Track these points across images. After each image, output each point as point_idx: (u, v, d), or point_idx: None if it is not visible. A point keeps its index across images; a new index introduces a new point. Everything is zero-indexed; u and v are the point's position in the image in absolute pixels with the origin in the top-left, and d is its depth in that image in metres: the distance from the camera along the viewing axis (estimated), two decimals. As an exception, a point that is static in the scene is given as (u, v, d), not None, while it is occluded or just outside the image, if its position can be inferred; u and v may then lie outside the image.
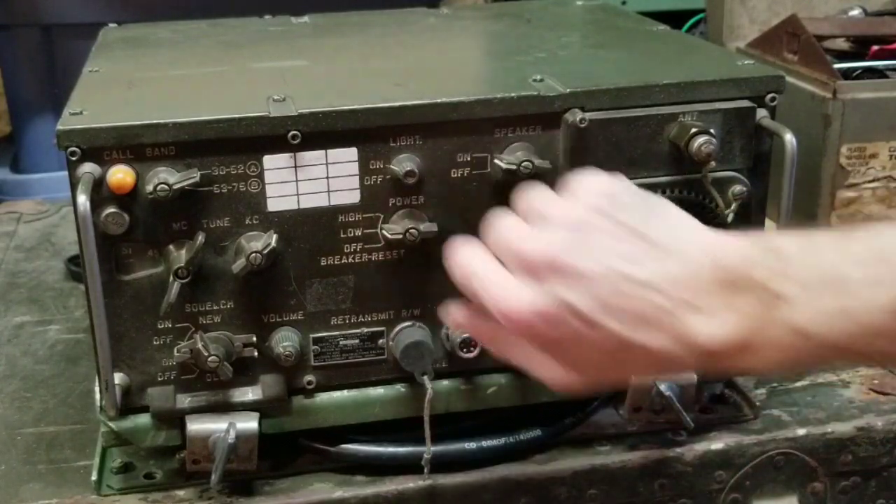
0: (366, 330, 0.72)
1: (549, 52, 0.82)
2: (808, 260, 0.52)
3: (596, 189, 0.58)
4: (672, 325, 0.54)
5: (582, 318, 0.55)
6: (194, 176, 0.65)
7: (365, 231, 0.70)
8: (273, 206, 0.68)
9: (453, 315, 0.63)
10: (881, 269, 0.50)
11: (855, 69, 1.02)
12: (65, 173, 0.65)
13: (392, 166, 0.68)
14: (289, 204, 0.68)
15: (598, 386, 0.61)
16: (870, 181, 0.99)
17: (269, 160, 0.67)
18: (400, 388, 0.74)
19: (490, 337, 0.62)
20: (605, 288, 0.54)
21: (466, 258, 0.60)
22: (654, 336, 0.54)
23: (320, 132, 0.67)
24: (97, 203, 0.65)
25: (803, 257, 0.53)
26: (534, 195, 0.60)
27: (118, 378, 0.69)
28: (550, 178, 0.70)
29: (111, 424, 0.70)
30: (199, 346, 0.67)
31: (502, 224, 0.59)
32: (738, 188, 0.72)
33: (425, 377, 0.71)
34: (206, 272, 0.68)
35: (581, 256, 0.55)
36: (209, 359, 0.67)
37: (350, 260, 0.70)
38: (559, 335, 0.56)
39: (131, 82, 0.77)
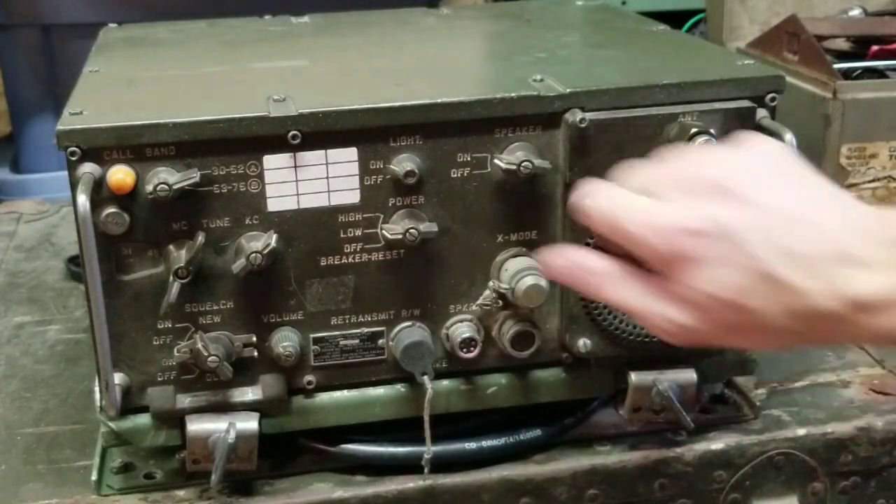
0: (366, 330, 0.72)
1: (549, 52, 0.82)
2: None
3: (771, 148, 0.58)
4: (829, 270, 0.52)
5: (734, 242, 0.53)
6: (194, 176, 0.65)
7: (365, 231, 0.70)
8: (273, 206, 0.68)
9: (555, 256, 0.61)
10: None
11: (855, 69, 1.02)
12: (65, 173, 0.65)
13: (392, 166, 0.68)
14: (289, 204, 0.68)
15: (710, 338, 0.57)
16: (870, 181, 0.99)
17: (269, 160, 0.67)
18: (400, 388, 0.74)
19: (599, 276, 0.59)
20: (768, 220, 0.53)
21: (608, 195, 0.58)
22: (807, 275, 0.52)
23: (320, 132, 0.67)
24: (97, 203, 0.65)
25: None
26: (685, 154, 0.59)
27: (118, 378, 0.69)
28: (550, 178, 0.71)
29: (111, 424, 0.70)
30: (199, 346, 0.67)
31: (668, 164, 0.58)
32: (738, 188, 0.71)
33: (425, 377, 0.71)
34: (206, 272, 0.68)
35: (750, 185, 0.54)
36: (209, 359, 0.67)
37: (350, 260, 0.70)
38: (704, 256, 0.54)
39: (131, 82, 0.77)
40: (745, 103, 0.71)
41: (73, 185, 0.64)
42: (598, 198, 0.58)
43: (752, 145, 0.59)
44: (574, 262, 0.60)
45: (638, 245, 0.56)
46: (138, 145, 0.65)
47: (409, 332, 0.72)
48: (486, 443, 0.75)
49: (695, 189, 0.55)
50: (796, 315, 0.53)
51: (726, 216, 0.54)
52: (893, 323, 0.52)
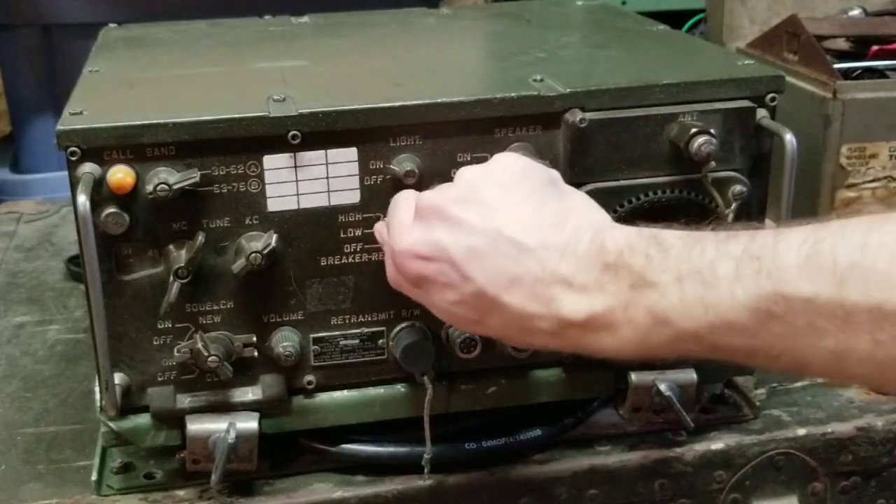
0: (366, 330, 0.72)
1: (549, 52, 0.82)
2: (686, 253, 0.53)
3: (507, 160, 0.62)
4: (542, 292, 0.56)
5: (453, 264, 0.58)
6: (194, 176, 0.65)
7: (365, 231, 0.70)
8: (273, 206, 0.68)
9: (378, 226, 0.69)
10: (747, 267, 0.51)
11: (855, 69, 1.02)
12: (65, 173, 0.65)
13: (392, 166, 0.68)
14: (289, 204, 0.68)
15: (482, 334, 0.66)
16: (870, 181, 0.99)
17: (269, 160, 0.67)
18: (400, 388, 0.74)
19: (389, 277, 0.66)
20: (483, 241, 0.58)
21: (397, 201, 0.65)
22: (517, 298, 0.57)
23: (320, 132, 0.67)
24: (97, 203, 0.65)
25: (682, 250, 0.54)
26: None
27: (118, 378, 0.69)
28: (550, 178, 0.71)
29: (111, 424, 0.70)
30: (199, 346, 0.67)
31: (428, 190, 0.63)
32: (738, 188, 0.71)
33: (425, 377, 0.71)
34: (206, 272, 0.68)
35: (469, 209, 0.59)
36: (209, 359, 0.67)
37: (350, 260, 0.70)
38: (428, 276, 0.60)
39: (131, 82, 0.77)
40: (745, 103, 0.71)
41: (73, 185, 0.64)
42: (391, 203, 0.66)
43: (493, 163, 0.63)
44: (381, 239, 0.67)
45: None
46: (138, 145, 0.65)
47: (409, 332, 0.72)
48: (486, 443, 0.75)
49: (430, 215, 0.60)
50: (518, 329, 0.58)
51: (450, 242, 0.58)
52: (597, 341, 0.56)
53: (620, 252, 0.55)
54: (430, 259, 0.60)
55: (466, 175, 0.62)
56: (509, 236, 0.57)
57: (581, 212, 0.60)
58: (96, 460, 0.75)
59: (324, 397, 0.73)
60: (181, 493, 0.73)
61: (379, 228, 0.68)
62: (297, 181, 0.68)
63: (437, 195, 0.61)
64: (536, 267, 0.57)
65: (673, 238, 0.55)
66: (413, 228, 0.61)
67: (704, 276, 0.52)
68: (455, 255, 0.58)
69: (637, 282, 0.54)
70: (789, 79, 0.78)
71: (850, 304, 0.47)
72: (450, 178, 0.69)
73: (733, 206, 0.71)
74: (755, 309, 0.50)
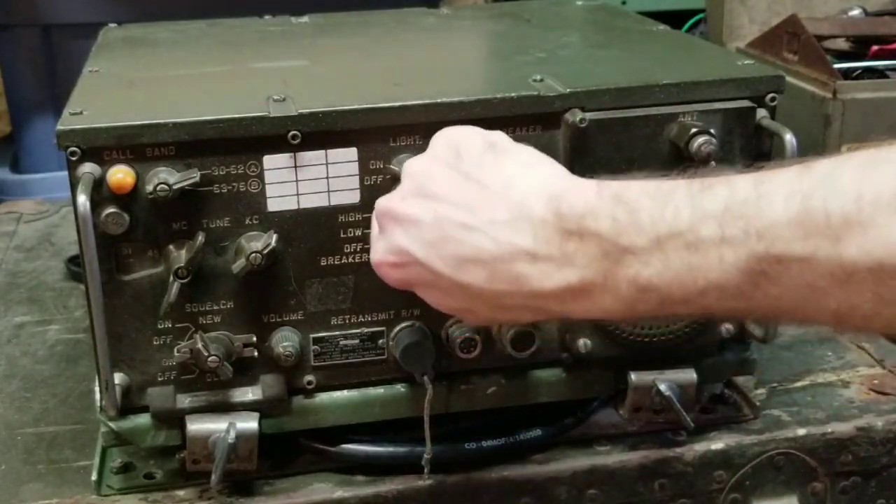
0: (366, 330, 0.72)
1: (549, 52, 0.82)
2: (659, 213, 0.51)
3: (443, 140, 0.62)
4: (504, 269, 0.55)
5: (419, 263, 0.58)
6: (194, 176, 0.65)
7: (365, 231, 0.70)
8: (273, 206, 0.68)
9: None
10: (733, 227, 0.48)
11: (855, 69, 1.02)
12: (65, 173, 0.65)
13: (392, 166, 0.68)
14: (289, 204, 0.68)
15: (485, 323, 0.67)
16: (870, 181, 0.98)
17: (269, 160, 0.67)
18: (400, 388, 0.74)
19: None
20: (433, 232, 0.57)
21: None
22: (484, 279, 0.56)
23: (320, 132, 0.67)
24: (97, 203, 0.65)
25: (654, 210, 0.51)
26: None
27: (118, 378, 0.69)
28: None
29: (111, 424, 0.70)
30: (199, 346, 0.67)
31: (382, 197, 0.63)
32: (738, 188, 0.71)
33: (425, 377, 0.71)
34: (206, 272, 0.68)
35: (414, 205, 0.58)
36: (209, 359, 0.67)
37: (350, 260, 0.70)
38: (410, 279, 0.60)
39: (131, 82, 0.77)
40: (745, 103, 0.71)
41: (73, 185, 0.64)
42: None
43: (432, 144, 0.62)
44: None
45: None
46: (138, 145, 0.65)
47: (409, 332, 0.72)
48: (486, 443, 0.75)
49: (385, 222, 0.60)
50: (500, 307, 0.57)
51: (408, 243, 0.58)
52: (577, 308, 0.55)
53: (582, 217, 0.53)
54: (400, 265, 0.60)
55: (409, 169, 0.61)
56: (457, 220, 0.56)
57: (528, 175, 0.57)
58: (96, 460, 0.75)
59: (324, 397, 0.73)
60: (181, 493, 0.73)
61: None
62: (297, 181, 0.68)
63: (388, 199, 0.61)
64: (491, 245, 0.55)
65: (639, 195, 0.52)
66: (378, 240, 0.62)
67: (687, 240, 0.50)
68: (417, 254, 0.58)
69: (610, 249, 0.52)
70: (789, 79, 0.78)
71: (850, 262, 0.45)
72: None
73: (733, 206, 0.71)
74: (748, 271, 0.48)
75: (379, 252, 0.61)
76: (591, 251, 0.52)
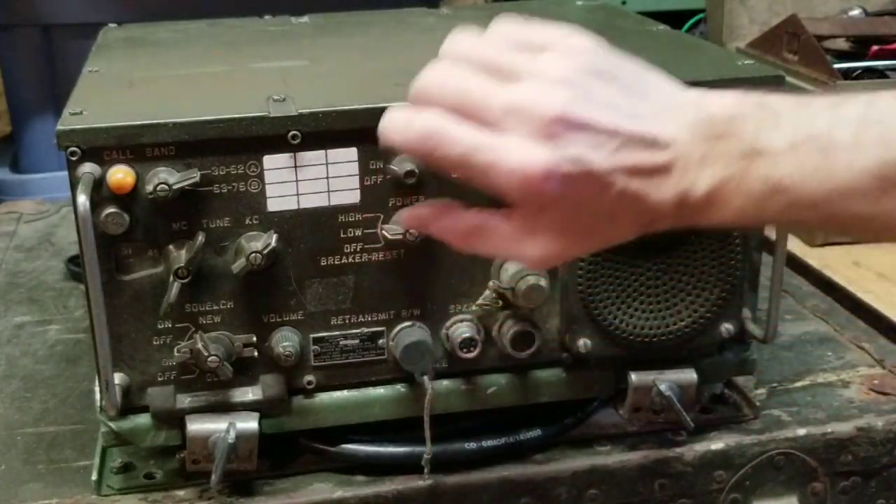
0: (366, 330, 0.72)
1: (549, 52, 0.82)
2: (796, 118, 0.52)
3: (580, 46, 0.58)
4: (674, 180, 0.53)
5: (595, 176, 0.53)
6: (194, 176, 0.65)
7: (365, 231, 0.70)
8: (273, 206, 0.68)
9: (410, 213, 0.61)
10: (869, 132, 0.49)
11: (855, 69, 1.02)
12: (65, 173, 0.65)
13: (392, 166, 0.68)
14: (289, 204, 0.68)
15: (575, 254, 0.61)
16: (870, 181, 0.98)
17: (269, 160, 0.67)
18: (400, 388, 0.74)
19: (458, 227, 0.59)
20: (616, 142, 0.53)
21: (431, 121, 0.56)
22: (656, 189, 0.53)
23: (320, 132, 0.67)
24: (97, 203, 0.65)
25: (792, 115, 0.52)
26: (495, 46, 0.59)
27: (118, 378, 0.69)
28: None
29: (111, 424, 0.70)
30: (199, 346, 0.67)
31: (470, 80, 0.56)
32: (738, 188, 0.71)
33: (425, 377, 0.71)
34: (206, 272, 0.68)
35: (592, 111, 0.53)
36: (209, 359, 0.67)
37: (350, 260, 0.70)
38: (569, 195, 0.53)
39: (131, 82, 0.77)
40: (745, 103, 0.71)
41: (73, 185, 0.64)
42: (416, 122, 0.56)
43: (572, 49, 0.58)
44: (428, 218, 0.60)
45: (492, 187, 0.54)
46: (138, 145, 0.65)
47: (409, 332, 0.72)
48: (486, 443, 0.75)
49: (559, 129, 0.53)
50: (649, 220, 0.55)
51: (587, 152, 0.53)
52: (709, 214, 0.53)
53: (730, 119, 0.53)
54: (572, 176, 0.53)
55: (558, 72, 0.55)
56: (635, 131, 0.53)
57: (676, 88, 0.57)
58: (96, 460, 0.75)
59: (324, 397, 0.73)
60: (181, 493, 0.73)
61: (409, 217, 0.62)
62: (296, 181, 0.68)
63: (547, 99, 0.53)
64: (666, 156, 0.53)
65: (781, 102, 0.53)
66: (536, 144, 0.53)
67: (821, 143, 0.50)
68: (599, 166, 0.53)
69: (748, 150, 0.52)
70: (789, 79, 0.78)
71: None
72: (450, 178, 0.69)
73: (733, 206, 0.71)
74: (880, 176, 0.48)
75: (545, 160, 0.52)
76: (733, 152, 0.52)
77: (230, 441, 0.69)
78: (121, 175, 0.65)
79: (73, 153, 0.64)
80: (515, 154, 0.53)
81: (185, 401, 0.70)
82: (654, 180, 0.53)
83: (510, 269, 0.71)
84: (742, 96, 0.54)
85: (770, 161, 0.51)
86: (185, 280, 0.66)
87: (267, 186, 0.67)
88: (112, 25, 1.00)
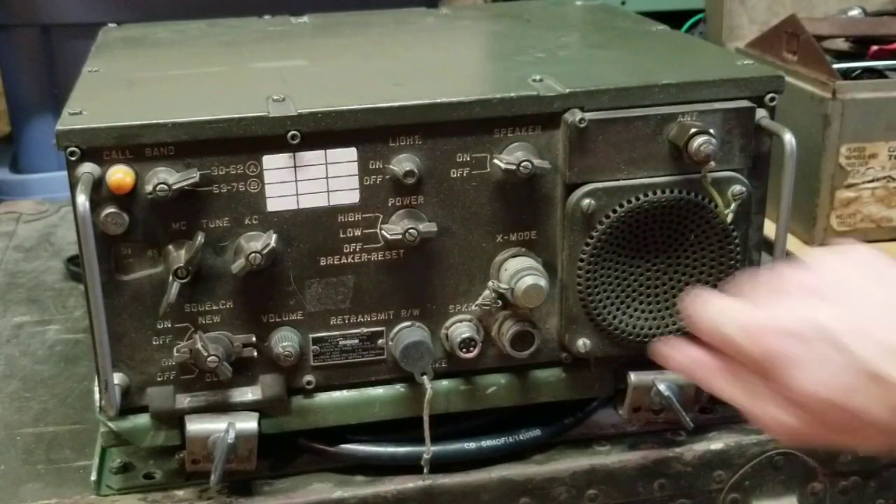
0: (365, 330, 0.72)
1: (549, 52, 0.82)
2: None
3: (867, 257, 0.58)
4: None
5: (832, 342, 0.53)
6: (194, 176, 0.65)
7: (364, 231, 0.70)
8: (272, 206, 0.68)
9: (675, 351, 0.63)
10: None
11: (854, 69, 1.02)
12: (64, 173, 0.65)
13: (392, 166, 0.68)
14: (288, 204, 0.68)
15: (817, 437, 0.57)
16: (869, 181, 0.99)
17: (269, 160, 0.67)
18: (399, 388, 0.74)
19: (710, 372, 0.60)
20: (866, 318, 0.53)
21: (709, 300, 0.59)
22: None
23: (320, 132, 0.67)
24: (97, 203, 0.65)
25: None
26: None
27: (118, 378, 0.69)
28: (550, 178, 0.71)
29: (111, 424, 0.70)
30: (199, 346, 0.67)
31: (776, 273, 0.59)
32: (737, 188, 0.71)
33: (425, 377, 0.71)
34: (205, 272, 0.68)
35: (846, 287, 0.55)
36: (209, 359, 0.67)
37: (350, 260, 0.70)
38: (800, 357, 0.54)
39: (131, 82, 0.77)
40: (745, 103, 0.71)
41: (73, 185, 0.64)
42: (701, 304, 0.59)
43: (847, 251, 0.58)
44: (688, 357, 0.62)
45: (734, 348, 0.57)
46: (138, 145, 0.65)
47: (408, 332, 0.72)
48: (486, 443, 0.75)
49: (791, 292, 0.56)
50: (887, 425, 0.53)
51: (823, 316, 0.54)
52: None
53: None
54: (802, 337, 0.54)
55: (823, 262, 0.57)
56: (887, 310, 0.53)
57: None
58: (96, 460, 0.75)
59: (323, 397, 0.73)
60: (180, 493, 0.73)
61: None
62: (296, 181, 0.68)
63: (797, 275, 0.56)
64: None
65: None
66: (775, 306, 0.56)
67: None
68: (836, 331, 0.53)
69: None
70: (789, 79, 0.78)
71: None
72: (449, 178, 0.70)
73: (733, 206, 0.71)
74: None
75: (776, 315, 0.55)
76: None
77: (230, 441, 0.69)
78: (120, 175, 0.65)
79: (72, 153, 0.64)
80: (755, 310, 0.56)
81: (184, 401, 0.70)
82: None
83: (510, 268, 0.71)
84: None
85: None
86: (185, 280, 0.66)
87: (266, 186, 0.67)
88: (112, 25, 1.00)
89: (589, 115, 0.69)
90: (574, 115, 0.69)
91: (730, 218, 0.71)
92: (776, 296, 0.56)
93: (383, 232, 0.69)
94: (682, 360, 0.62)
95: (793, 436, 0.57)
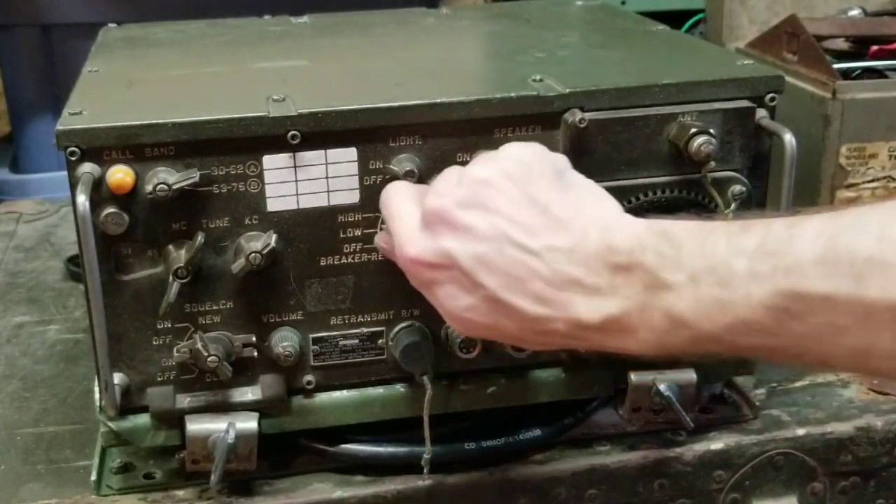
0: (365, 330, 0.72)
1: (549, 52, 0.82)
2: (699, 249, 0.52)
3: (514, 154, 0.61)
4: (553, 296, 0.56)
5: (463, 272, 0.58)
6: (194, 176, 0.65)
7: (364, 231, 0.70)
8: (273, 206, 0.68)
9: (379, 238, 0.69)
10: (762, 263, 0.49)
11: (854, 69, 1.02)
12: (64, 173, 0.65)
13: (392, 166, 0.68)
14: (288, 204, 0.68)
15: (491, 339, 0.65)
16: (869, 181, 0.99)
17: (269, 160, 0.67)
18: (400, 388, 0.74)
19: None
20: (488, 246, 0.57)
21: (393, 197, 0.64)
22: (530, 302, 0.56)
23: (320, 132, 0.67)
24: (97, 203, 0.65)
25: (694, 246, 0.52)
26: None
27: (118, 378, 0.69)
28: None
29: (111, 424, 0.70)
30: (199, 346, 0.67)
31: (434, 188, 0.62)
32: (737, 188, 0.72)
33: (425, 377, 0.71)
34: (205, 272, 0.68)
35: (472, 214, 0.58)
36: (209, 359, 0.67)
37: (350, 260, 0.70)
38: (439, 283, 0.59)
39: (131, 82, 0.77)
40: (745, 103, 0.71)
41: (73, 185, 0.64)
42: (388, 193, 0.65)
43: (502, 157, 0.61)
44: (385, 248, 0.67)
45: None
46: (138, 145, 0.65)
47: (408, 332, 0.72)
48: (486, 443, 0.75)
49: (435, 222, 0.59)
50: (535, 332, 0.58)
51: (457, 250, 0.58)
52: (614, 342, 0.56)
53: (631, 251, 0.54)
54: (439, 267, 0.59)
55: (473, 173, 0.60)
56: (517, 241, 0.57)
57: (588, 206, 0.59)
58: (96, 460, 0.75)
59: (323, 397, 0.73)
60: (181, 493, 0.73)
61: (381, 240, 0.68)
62: (296, 181, 0.68)
63: (441, 200, 0.59)
64: (546, 270, 0.56)
65: (684, 233, 0.54)
66: (420, 236, 0.60)
67: (719, 275, 0.51)
68: (464, 263, 0.57)
69: (651, 282, 0.53)
70: (789, 79, 0.78)
71: (870, 301, 0.46)
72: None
73: (733, 206, 0.72)
74: (773, 308, 0.49)
75: (418, 248, 0.60)
76: (635, 285, 0.54)
77: (230, 441, 0.69)
78: (120, 175, 0.65)
79: (72, 153, 0.64)
80: (406, 238, 0.61)
81: (184, 401, 0.70)
82: (533, 291, 0.56)
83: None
84: (647, 226, 0.55)
85: (672, 294, 0.52)
86: (185, 280, 0.66)
87: (266, 186, 0.67)
88: (112, 25, 1.00)
89: (589, 115, 0.69)
90: (574, 115, 0.69)
91: (730, 218, 0.71)
92: (423, 225, 0.60)
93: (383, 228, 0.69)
94: (383, 244, 0.68)
95: (476, 335, 0.65)
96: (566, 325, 0.56)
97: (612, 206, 0.60)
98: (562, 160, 0.63)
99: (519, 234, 0.57)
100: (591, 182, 0.62)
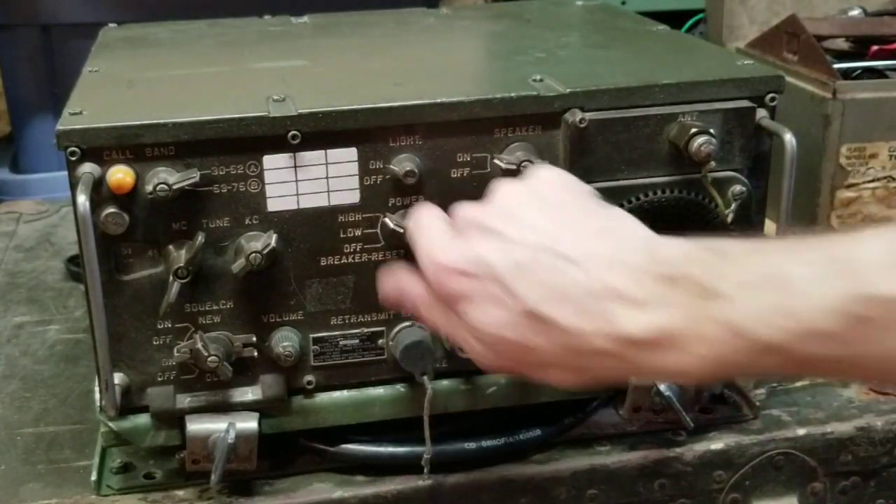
0: (365, 330, 0.72)
1: (549, 52, 0.82)
2: (751, 260, 0.50)
3: (544, 174, 0.60)
4: (594, 307, 0.52)
5: (498, 280, 0.54)
6: (194, 176, 0.65)
7: (365, 231, 0.70)
8: (273, 206, 0.68)
9: (386, 278, 0.64)
10: (827, 268, 0.46)
11: (855, 69, 1.02)
12: (65, 173, 0.65)
13: (392, 166, 0.68)
14: (288, 204, 0.68)
15: (508, 370, 0.58)
16: (869, 181, 0.99)
17: (269, 160, 0.67)
18: (400, 388, 0.74)
19: (415, 301, 0.61)
20: (528, 255, 0.54)
21: (422, 216, 0.62)
22: (572, 314, 0.52)
23: (320, 132, 0.67)
24: (97, 203, 0.65)
25: (746, 257, 0.50)
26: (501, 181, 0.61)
27: (118, 378, 0.69)
28: (550, 178, 0.71)
29: (111, 424, 0.70)
30: (199, 346, 0.67)
31: (463, 204, 0.60)
32: (737, 188, 0.72)
33: (425, 377, 0.71)
34: (205, 272, 0.68)
35: (508, 221, 0.56)
36: (209, 359, 0.67)
37: (350, 260, 0.70)
38: (471, 294, 0.55)
39: (131, 82, 0.77)
40: (745, 103, 0.71)
41: (73, 185, 0.64)
42: (417, 215, 0.62)
43: (531, 177, 0.59)
44: (397, 284, 0.63)
45: (428, 282, 0.59)
46: (138, 145, 0.65)
47: (408, 332, 0.72)
48: (486, 443, 0.75)
49: (470, 229, 0.57)
50: (573, 352, 0.53)
51: (492, 257, 0.54)
52: (665, 360, 0.51)
53: (677, 262, 0.51)
54: (471, 276, 0.55)
55: (503, 190, 0.58)
56: (555, 249, 0.53)
57: (625, 224, 0.56)
58: (96, 460, 0.75)
59: (323, 397, 0.73)
60: (181, 493, 0.73)
61: (401, 280, 0.63)
62: (296, 181, 0.68)
63: (475, 208, 0.58)
64: (586, 279, 0.52)
65: (729, 246, 0.51)
66: (452, 243, 0.57)
67: (777, 281, 0.48)
68: (500, 271, 0.54)
69: (701, 292, 0.50)
70: (789, 79, 0.78)
71: None
72: (449, 178, 0.70)
73: (733, 206, 0.72)
74: (843, 312, 0.46)
75: (451, 254, 0.56)
76: (683, 295, 0.50)
77: (230, 441, 0.69)
78: (121, 175, 0.65)
79: (72, 153, 0.64)
80: (436, 245, 0.58)
81: (184, 401, 0.70)
82: (574, 302, 0.52)
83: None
84: (693, 241, 0.53)
85: (726, 302, 0.49)
86: (185, 280, 0.66)
87: (267, 186, 0.68)
88: (112, 25, 1.00)
89: (589, 115, 0.69)
90: (574, 115, 0.69)
91: (730, 218, 0.71)
92: (455, 233, 0.58)
93: (386, 220, 0.69)
94: (391, 285, 0.63)
95: (491, 366, 0.58)
96: (609, 341, 0.52)
97: (649, 231, 0.56)
98: (589, 187, 0.60)
99: (557, 241, 0.54)
100: (622, 210, 0.59)
